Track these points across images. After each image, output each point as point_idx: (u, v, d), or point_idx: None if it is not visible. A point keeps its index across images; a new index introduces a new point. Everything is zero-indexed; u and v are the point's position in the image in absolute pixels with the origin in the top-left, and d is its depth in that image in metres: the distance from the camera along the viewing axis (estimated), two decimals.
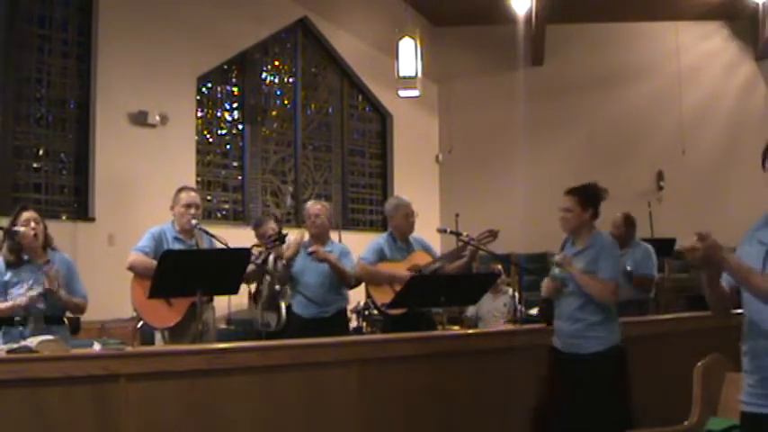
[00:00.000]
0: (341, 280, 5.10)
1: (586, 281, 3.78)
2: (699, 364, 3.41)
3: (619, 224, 6.26)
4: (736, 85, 12.30)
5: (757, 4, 11.42)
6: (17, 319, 3.97)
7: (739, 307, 2.55)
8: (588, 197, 3.95)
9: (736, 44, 12.37)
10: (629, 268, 6.07)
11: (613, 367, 3.77)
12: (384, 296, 4.88)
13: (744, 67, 12.35)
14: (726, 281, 2.54)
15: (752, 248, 2.50)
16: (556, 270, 3.90)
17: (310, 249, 5.06)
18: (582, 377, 3.76)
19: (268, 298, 5.33)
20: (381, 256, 5.05)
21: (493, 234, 4.95)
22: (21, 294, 4.00)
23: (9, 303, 3.99)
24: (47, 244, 4.24)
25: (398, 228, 5.14)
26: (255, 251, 5.12)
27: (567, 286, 3.87)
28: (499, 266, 7.48)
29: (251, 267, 4.89)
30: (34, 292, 3.99)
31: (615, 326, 3.88)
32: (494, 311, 7.28)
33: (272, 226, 6.30)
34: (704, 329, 4.75)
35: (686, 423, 3.34)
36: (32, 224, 4.16)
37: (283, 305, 5.59)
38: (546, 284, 4.00)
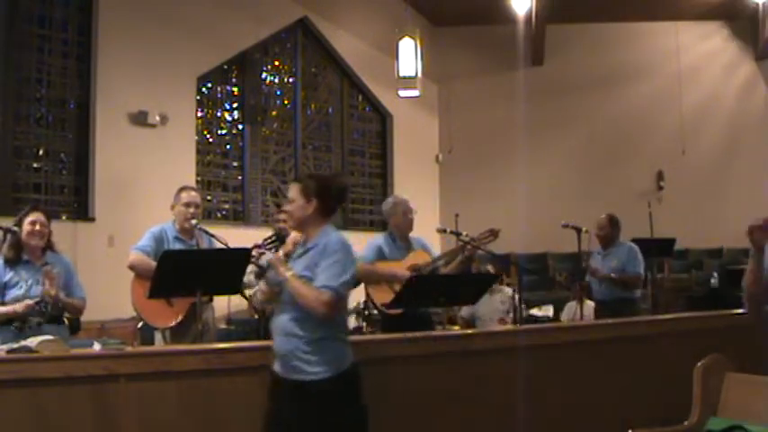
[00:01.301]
0: None
1: (297, 287, 3.06)
2: (699, 364, 3.41)
3: (603, 225, 6.30)
4: (736, 85, 12.32)
5: (757, 4, 11.43)
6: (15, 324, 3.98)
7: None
8: (312, 187, 3.21)
9: (736, 44, 12.39)
10: (614, 273, 6.14)
11: (335, 401, 3.05)
12: (383, 296, 4.87)
13: (744, 67, 12.37)
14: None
15: None
16: (272, 272, 3.21)
17: None
18: (297, 410, 3.06)
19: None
20: (380, 256, 5.04)
21: (494, 233, 4.95)
22: (19, 299, 4.01)
23: (7, 309, 3.99)
24: (48, 246, 4.24)
25: (398, 226, 5.13)
26: (255, 253, 5.11)
27: (281, 293, 3.16)
28: (490, 267, 7.49)
29: (251, 268, 4.89)
30: (32, 302, 3.99)
31: (342, 348, 3.15)
32: (492, 310, 7.27)
33: None
34: (704, 329, 4.75)
35: (686, 423, 3.34)
36: (38, 226, 4.16)
37: None
38: (261, 289, 3.37)
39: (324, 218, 3.22)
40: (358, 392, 3.13)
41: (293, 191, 3.24)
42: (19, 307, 3.98)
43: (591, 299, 6.65)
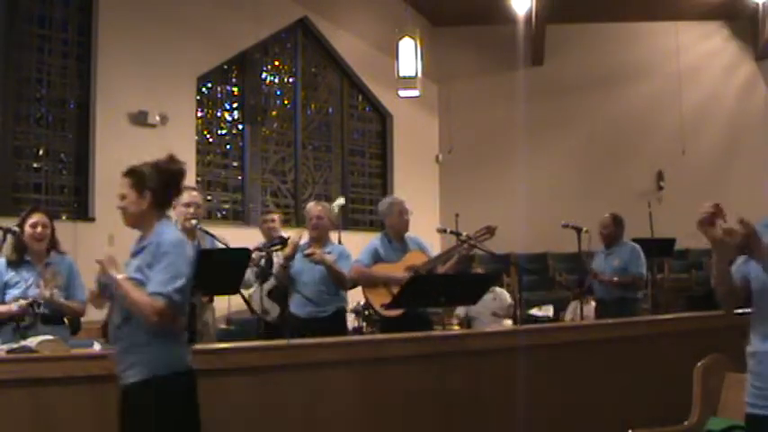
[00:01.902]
0: (337, 283, 5.09)
1: (128, 292, 2.79)
2: (699, 364, 3.41)
3: (607, 224, 6.31)
4: (736, 85, 12.31)
5: (757, 4, 11.43)
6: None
7: (747, 302, 2.54)
8: (143, 179, 2.95)
9: (736, 44, 12.39)
10: (616, 274, 6.13)
11: (157, 404, 2.78)
12: (380, 298, 4.87)
13: (744, 67, 12.37)
14: (738, 273, 2.52)
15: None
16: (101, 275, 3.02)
17: (306, 252, 5.05)
18: (125, 416, 2.85)
19: (276, 288, 5.31)
20: (376, 258, 5.04)
21: (490, 231, 4.94)
22: (17, 298, 4.01)
23: (3, 308, 3.99)
24: (51, 247, 4.23)
25: (393, 227, 5.14)
26: (256, 256, 5.11)
27: (111, 296, 2.95)
28: (479, 269, 7.54)
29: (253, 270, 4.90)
30: (25, 302, 3.99)
31: (170, 351, 2.84)
32: (483, 308, 7.30)
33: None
34: (704, 329, 4.75)
35: (686, 423, 3.34)
36: (39, 228, 4.15)
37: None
38: (90, 290, 3.18)
39: (160, 211, 2.97)
40: (177, 402, 2.83)
41: (124, 186, 2.96)
42: (14, 306, 3.98)
43: (592, 298, 6.65)
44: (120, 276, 2.84)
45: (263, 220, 6.83)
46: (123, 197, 2.96)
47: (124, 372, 2.82)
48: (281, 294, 5.42)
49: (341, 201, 7.73)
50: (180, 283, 2.79)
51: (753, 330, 2.52)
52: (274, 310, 5.54)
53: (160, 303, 2.73)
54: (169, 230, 2.93)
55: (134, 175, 2.97)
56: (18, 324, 3.97)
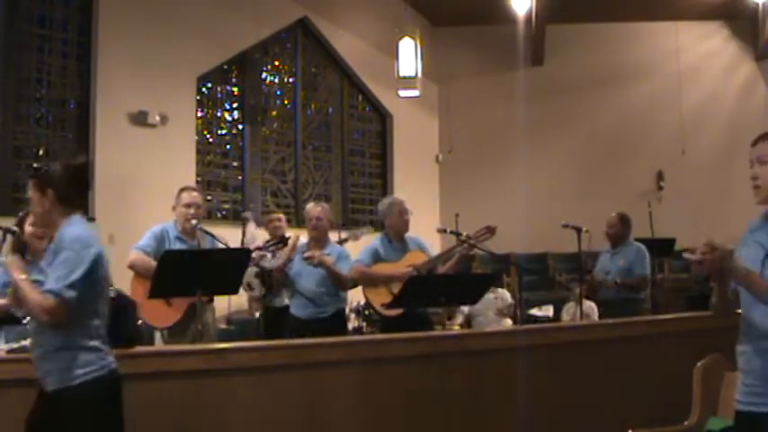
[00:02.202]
0: (337, 284, 5.10)
1: (25, 293, 2.68)
2: (699, 364, 3.41)
3: (614, 223, 6.28)
4: (736, 85, 12.31)
5: (757, 4, 11.43)
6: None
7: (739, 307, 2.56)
8: (42, 177, 2.83)
9: (736, 44, 12.39)
10: (618, 276, 6.12)
11: (75, 413, 2.66)
12: (380, 298, 4.88)
13: (744, 67, 12.37)
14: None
15: (749, 250, 2.51)
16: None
17: (306, 255, 5.05)
18: (49, 423, 2.73)
19: (270, 274, 5.32)
20: (376, 258, 5.04)
21: (490, 230, 4.94)
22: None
23: (4, 300, 3.99)
24: None
25: (393, 227, 5.14)
26: (256, 255, 5.12)
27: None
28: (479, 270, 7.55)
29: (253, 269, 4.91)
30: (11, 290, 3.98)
31: (86, 357, 2.69)
32: (485, 307, 7.30)
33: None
34: (704, 329, 4.74)
35: (686, 423, 3.34)
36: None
37: (286, 300, 5.63)
38: (8, 294, 3.03)
39: (67, 209, 2.80)
40: (97, 409, 2.70)
41: (30, 189, 2.84)
42: (6, 301, 3.98)
43: (595, 298, 6.62)
44: (20, 277, 2.72)
45: (268, 219, 6.87)
46: (31, 200, 2.85)
47: (43, 379, 2.74)
48: (268, 278, 5.45)
49: (367, 230, 7.76)
50: (73, 278, 2.61)
51: (742, 330, 2.54)
52: (258, 289, 5.58)
53: (50, 301, 2.59)
54: (73, 227, 2.74)
55: (36, 175, 2.88)
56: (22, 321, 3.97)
